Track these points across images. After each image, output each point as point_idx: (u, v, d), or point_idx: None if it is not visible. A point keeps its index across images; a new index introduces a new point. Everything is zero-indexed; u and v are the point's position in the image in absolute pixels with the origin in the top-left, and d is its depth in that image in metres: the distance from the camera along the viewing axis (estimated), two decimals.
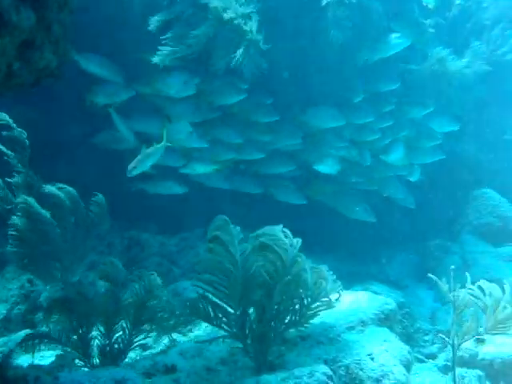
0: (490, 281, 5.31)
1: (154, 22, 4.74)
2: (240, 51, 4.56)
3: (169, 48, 4.68)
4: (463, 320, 2.81)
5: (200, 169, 5.38)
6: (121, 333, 3.20)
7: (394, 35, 5.45)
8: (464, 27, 6.84)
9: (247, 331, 2.66)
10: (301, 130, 5.52)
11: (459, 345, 2.84)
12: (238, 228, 2.81)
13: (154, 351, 3.89)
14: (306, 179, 5.93)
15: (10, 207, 4.24)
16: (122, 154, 5.28)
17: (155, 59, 4.67)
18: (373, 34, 5.47)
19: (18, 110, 4.37)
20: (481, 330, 2.84)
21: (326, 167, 5.65)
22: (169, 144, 4.69)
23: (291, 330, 2.81)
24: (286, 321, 2.72)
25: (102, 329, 3.15)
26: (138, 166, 4.52)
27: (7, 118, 4.09)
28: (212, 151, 5.37)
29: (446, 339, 2.85)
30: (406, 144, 5.94)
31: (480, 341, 3.88)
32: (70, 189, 4.43)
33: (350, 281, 6.00)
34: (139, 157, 4.54)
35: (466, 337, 2.83)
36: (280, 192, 5.72)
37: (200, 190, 5.61)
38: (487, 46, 6.86)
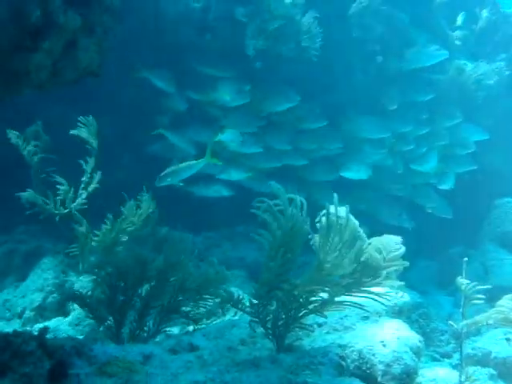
0: (507, 288, 5.45)
1: None
2: None
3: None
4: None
5: (235, 175, 5.57)
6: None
7: (433, 47, 5.63)
8: (491, 40, 6.96)
9: (268, 317, 2.84)
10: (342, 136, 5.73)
11: (467, 332, 2.96)
12: None
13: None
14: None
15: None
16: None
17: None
18: (399, 44, 5.65)
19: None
20: (490, 321, 2.96)
21: (353, 173, 5.76)
22: (210, 161, 4.78)
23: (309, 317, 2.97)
24: (308, 309, 2.88)
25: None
26: (170, 177, 4.69)
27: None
28: (259, 158, 5.59)
29: (454, 325, 2.98)
30: (440, 153, 6.09)
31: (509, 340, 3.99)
32: None
33: None
34: (173, 168, 4.70)
35: (474, 327, 2.95)
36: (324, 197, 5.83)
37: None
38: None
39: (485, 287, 3.50)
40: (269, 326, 2.86)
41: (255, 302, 2.87)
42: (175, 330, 4.07)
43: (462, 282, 2.95)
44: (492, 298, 5.48)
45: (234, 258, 5.57)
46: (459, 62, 6.21)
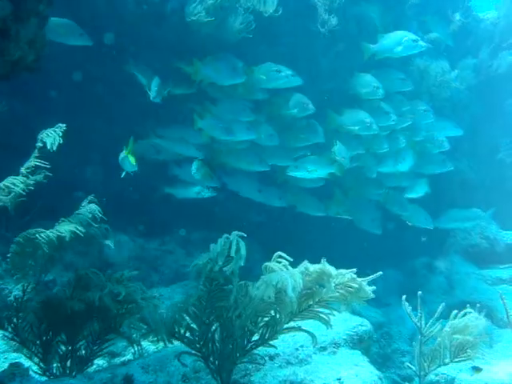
0: (473, 303, 5.25)
1: None
2: None
3: None
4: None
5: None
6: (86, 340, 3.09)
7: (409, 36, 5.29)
8: (463, 44, 6.76)
9: (211, 348, 2.53)
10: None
11: (425, 375, 2.71)
12: None
13: (122, 359, 3.78)
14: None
15: None
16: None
17: None
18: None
19: None
20: (447, 360, 2.72)
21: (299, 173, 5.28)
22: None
23: (260, 348, 2.68)
24: (254, 338, 2.59)
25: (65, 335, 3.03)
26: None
27: None
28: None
29: (413, 368, 2.73)
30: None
31: (477, 369, 3.77)
32: None
33: None
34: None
35: (431, 366, 2.70)
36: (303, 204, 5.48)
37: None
38: (484, 63, 6.80)
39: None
40: (211, 360, 2.56)
41: (195, 327, 2.56)
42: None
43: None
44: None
45: (187, 267, 5.23)
46: (424, 61, 5.95)
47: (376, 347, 3.90)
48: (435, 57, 6.29)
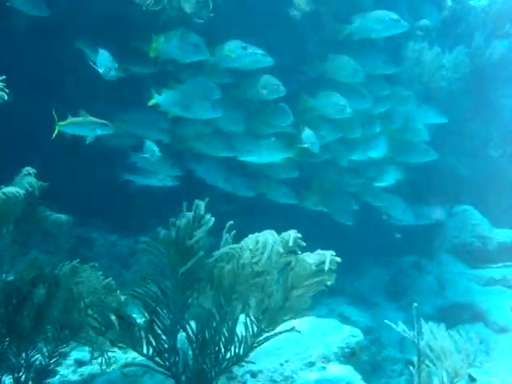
0: (465, 305, 5.02)
1: None
2: None
3: None
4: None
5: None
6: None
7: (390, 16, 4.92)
8: (454, 32, 6.48)
9: (182, 367, 2.19)
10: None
11: None
12: None
13: (89, 368, 3.44)
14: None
15: None
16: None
17: None
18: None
19: None
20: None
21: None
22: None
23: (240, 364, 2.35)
24: (229, 355, 2.25)
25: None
26: None
27: None
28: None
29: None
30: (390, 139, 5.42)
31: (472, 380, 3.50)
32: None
33: (316, 296, 5.61)
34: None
35: None
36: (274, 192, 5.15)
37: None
38: (474, 52, 6.53)
39: None
40: (184, 379, 2.22)
41: (163, 338, 2.22)
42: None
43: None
44: (448, 316, 5.08)
45: None
46: (420, 45, 5.63)
47: (366, 355, 3.61)
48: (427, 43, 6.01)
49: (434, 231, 6.03)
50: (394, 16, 4.96)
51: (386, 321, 2.33)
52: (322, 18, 4.96)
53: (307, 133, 4.76)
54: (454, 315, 4.84)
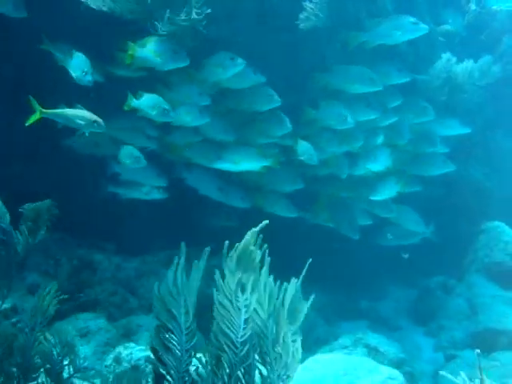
0: (501, 331, 4.60)
1: None
2: None
3: None
4: None
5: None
6: None
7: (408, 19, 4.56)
8: (477, 39, 6.12)
9: None
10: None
11: None
12: None
13: None
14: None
15: None
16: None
17: None
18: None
19: None
20: None
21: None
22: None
23: None
24: None
25: None
26: None
27: None
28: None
29: None
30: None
31: None
32: None
33: (336, 320, 5.24)
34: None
35: None
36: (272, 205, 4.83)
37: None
38: (500, 59, 6.17)
39: None
40: None
41: None
42: None
43: None
44: (482, 342, 4.68)
45: None
46: (448, 55, 5.26)
47: None
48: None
49: (462, 249, 5.63)
50: (412, 19, 4.63)
51: (442, 372, 1.91)
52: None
53: (301, 145, 4.53)
54: (489, 341, 4.44)
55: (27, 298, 4.29)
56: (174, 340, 1.97)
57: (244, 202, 4.64)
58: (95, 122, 3.77)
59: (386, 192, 4.92)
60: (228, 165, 4.44)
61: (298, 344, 1.96)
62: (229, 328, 1.92)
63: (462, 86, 5.31)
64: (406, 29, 4.60)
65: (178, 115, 4.15)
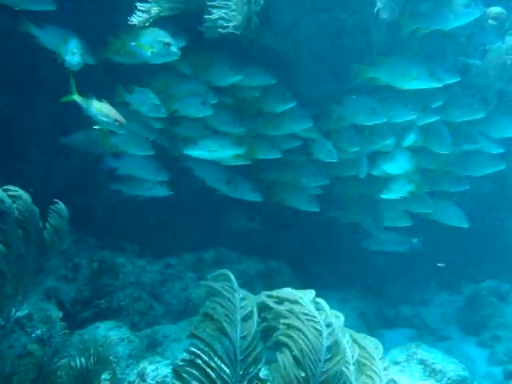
0: None
1: None
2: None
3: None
4: None
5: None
6: None
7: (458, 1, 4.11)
8: None
9: None
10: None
11: None
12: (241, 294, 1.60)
13: None
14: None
15: None
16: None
17: (134, 20, 3.50)
18: None
19: None
20: None
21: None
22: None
23: None
24: None
25: None
26: None
27: None
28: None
29: None
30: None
31: None
32: (22, 192, 3.32)
33: (377, 328, 4.84)
34: None
35: None
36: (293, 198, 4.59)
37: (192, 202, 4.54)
38: None
39: None
40: None
41: None
42: None
43: None
44: None
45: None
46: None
47: None
48: (498, 37, 5.20)
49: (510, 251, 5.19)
50: (465, 1, 4.19)
51: None
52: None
53: (318, 143, 4.29)
54: None
55: (43, 304, 3.99)
56: None
57: (255, 194, 4.34)
58: (117, 121, 3.62)
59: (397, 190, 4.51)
60: (202, 152, 4.15)
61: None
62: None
63: None
64: (459, 13, 4.16)
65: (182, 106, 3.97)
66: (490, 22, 5.28)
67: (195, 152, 4.12)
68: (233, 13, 3.41)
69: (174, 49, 3.67)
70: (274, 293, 1.70)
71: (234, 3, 3.40)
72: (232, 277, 1.74)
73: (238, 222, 4.88)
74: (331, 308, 1.78)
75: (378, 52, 4.10)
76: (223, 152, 4.15)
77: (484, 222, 5.17)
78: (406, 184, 4.45)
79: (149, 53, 3.69)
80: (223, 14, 3.45)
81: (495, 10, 5.39)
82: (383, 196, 4.50)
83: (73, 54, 3.59)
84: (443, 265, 5.03)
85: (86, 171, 4.59)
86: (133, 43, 3.72)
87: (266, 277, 4.49)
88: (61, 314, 3.12)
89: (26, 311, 3.81)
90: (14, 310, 3.59)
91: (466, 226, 4.70)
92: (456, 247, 5.08)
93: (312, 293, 1.66)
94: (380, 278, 5.24)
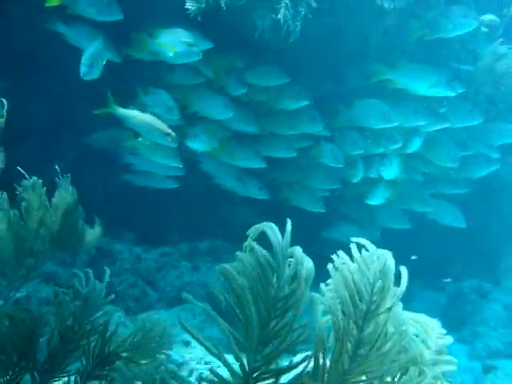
0: None
1: None
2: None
3: None
4: None
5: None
6: None
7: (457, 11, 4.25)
8: None
9: None
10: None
11: None
12: None
13: None
14: None
15: None
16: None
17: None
18: None
19: None
20: None
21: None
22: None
23: None
24: None
25: None
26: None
27: None
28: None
29: None
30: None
31: None
32: None
33: None
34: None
35: None
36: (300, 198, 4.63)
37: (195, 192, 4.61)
38: None
39: None
40: None
41: None
42: None
43: None
44: None
45: (194, 285, 4.29)
46: (497, 46, 4.95)
47: None
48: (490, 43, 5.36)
49: (497, 252, 5.36)
50: (461, 11, 4.33)
51: None
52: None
53: (322, 147, 4.32)
54: None
55: (42, 286, 4.12)
56: None
57: (262, 193, 4.40)
58: (167, 134, 3.58)
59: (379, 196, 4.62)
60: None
61: None
62: None
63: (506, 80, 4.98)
64: (457, 23, 4.33)
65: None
66: (483, 29, 5.45)
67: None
68: None
69: (196, 50, 3.68)
70: None
71: None
72: None
73: (244, 215, 4.81)
74: None
75: (374, 56, 4.20)
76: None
77: (471, 225, 5.32)
78: (385, 190, 4.56)
79: (171, 53, 3.70)
80: None
81: (488, 17, 5.55)
82: (368, 202, 4.58)
83: (88, 66, 3.49)
84: (416, 257, 5.16)
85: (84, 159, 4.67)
86: (156, 42, 3.72)
87: None
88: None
89: (25, 293, 3.95)
90: (13, 292, 3.73)
91: (463, 226, 4.84)
92: (443, 247, 5.26)
93: None
94: None
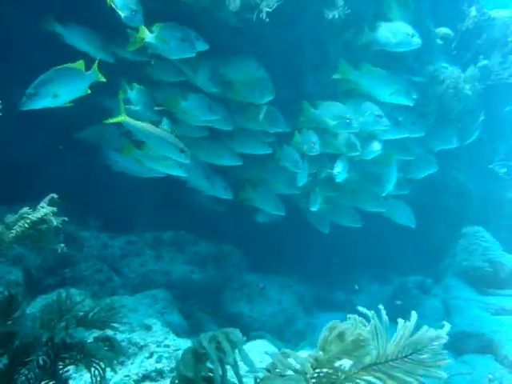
0: (473, 334, 4.73)
1: None
2: None
3: None
4: None
5: None
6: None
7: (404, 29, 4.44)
8: (474, 43, 6.17)
9: None
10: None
11: None
12: None
13: None
14: None
15: None
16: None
17: None
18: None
19: None
20: None
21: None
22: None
23: None
24: None
25: None
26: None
27: None
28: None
29: None
30: None
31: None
32: None
33: (315, 311, 5.35)
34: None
35: None
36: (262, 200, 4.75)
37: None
38: (493, 68, 6.26)
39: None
40: None
41: None
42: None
43: None
44: (453, 344, 4.79)
45: (156, 273, 4.53)
46: (439, 65, 5.28)
47: None
48: (445, 57, 5.70)
49: (440, 251, 5.75)
50: (409, 30, 4.51)
51: None
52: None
53: (304, 133, 4.38)
54: (461, 344, 4.56)
55: (11, 268, 4.28)
56: None
57: (227, 192, 4.52)
58: (182, 151, 3.55)
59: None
60: None
61: None
62: None
63: (451, 92, 5.30)
64: (401, 39, 4.50)
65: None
66: (438, 41, 5.78)
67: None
68: None
69: (190, 45, 3.70)
70: None
71: None
72: None
73: (208, 204, 4.95)
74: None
75: (333, 66, 4.45)
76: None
77: (417, 224, 5.64)
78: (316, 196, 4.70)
79: (165, 47, 3.68)
80: None
81: (443, 30, 5.90)
82: (312, 209, 4.69)
83: (133, 11, 3.45)
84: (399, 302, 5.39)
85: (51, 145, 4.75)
86: (151, 36, 3.67)
87: (217, 258, 4.89)
88: None
89: None
90: None
91: (413, 225, 5.12)
92: (390, 243, 5.58)
93: None
94: (323, 266, 5.64)
